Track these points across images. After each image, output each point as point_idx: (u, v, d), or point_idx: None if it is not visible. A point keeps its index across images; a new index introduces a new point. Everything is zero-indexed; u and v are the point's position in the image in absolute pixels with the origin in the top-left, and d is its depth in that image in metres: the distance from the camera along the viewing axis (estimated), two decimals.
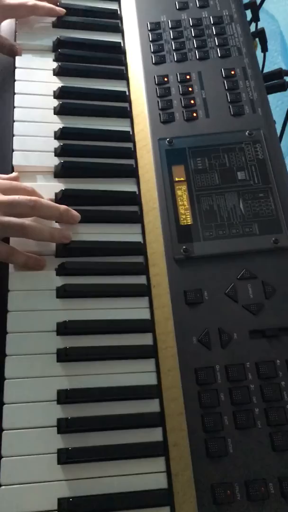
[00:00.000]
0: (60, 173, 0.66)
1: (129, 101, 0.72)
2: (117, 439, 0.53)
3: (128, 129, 0.71)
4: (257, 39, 0.81)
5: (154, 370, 0.56)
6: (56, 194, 0.64)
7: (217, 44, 0.73)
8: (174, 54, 0.73)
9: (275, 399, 0.53)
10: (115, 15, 0.80)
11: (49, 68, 0.74)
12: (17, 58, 0.73)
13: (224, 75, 0.71)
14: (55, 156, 0.67)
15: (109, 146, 0.69)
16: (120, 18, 0.80)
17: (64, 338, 0.56)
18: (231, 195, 0.63)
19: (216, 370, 0.54)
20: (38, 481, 0.50)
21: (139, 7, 0.77)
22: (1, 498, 0.49)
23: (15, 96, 0.70)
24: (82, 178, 0.66)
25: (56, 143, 0.68)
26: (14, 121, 0.68)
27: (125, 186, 0.67)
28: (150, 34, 0.74)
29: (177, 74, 0.71)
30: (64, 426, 0.52)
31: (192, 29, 0.75)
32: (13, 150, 0.66)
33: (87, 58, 0.75)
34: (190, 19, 0.75)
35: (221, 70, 0.71)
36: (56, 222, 0.62)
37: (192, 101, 0.69)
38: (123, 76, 0.75)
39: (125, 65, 0.76)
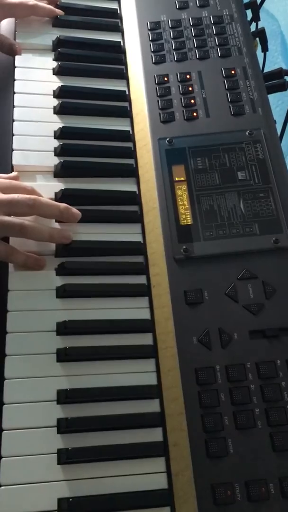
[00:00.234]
0: (60, 172, 0.66)
1: (129, 101, 0.72)
2: (117, 439, 0.53)
3: (128, 128, 0.71)
4: (257, 39, 0.81)
5: (154, 370, 0.56)
6: (56, 193, 0.64)
7: (217, 43, 0.73)
8: (174, 53, 0.73)
9: (276, 399, 0.53)
10: (115, 15, 0.80)
11: (49, 68, 0.73)
12: (16, 57, 0.73)
13: (224, 75, 0.71)
14: (55, 155, 0.67)
15: (109, 145, 0.69)
16: (120, 18, 0.80)
17: (64, 338, 0.56)
18: (231, 195, 0.63)
19: (216, 370, 0.54)
20: (38, 481, 0.50)
21: (139, 6, 0.77)
22: (1, 498, 0.49)
23: (15, 95, 0.70)
24: (82, 178, 0.66)
25: (56, 143, 0.68)
26: (13, 121, 0.68)
27: (125, 185, 0.67)
28: (150, 33, 0.74)
29: (177, 74, 0.71)
30: (64, 426, 0.52)
31: (192, 29, 0.74)
32: (12, 150, 0.66)
33: (87, 57, 0.75)
34: (190, 18, 0.75)
35: (221, 70, 0.71)
36: (56, 222, 0.62)
37: (192, 101, 0.69)
38: (123, 75, 0.75)
39: (125, 64, 0.76)
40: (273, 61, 1.26)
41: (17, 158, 0.65)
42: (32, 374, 0.54)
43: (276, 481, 0.50)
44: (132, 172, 0.67)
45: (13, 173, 0.64)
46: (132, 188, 0.67)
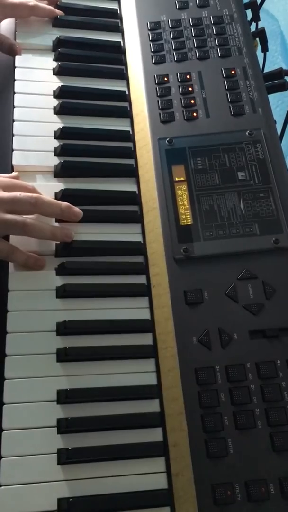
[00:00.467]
0: (60, 172, 0.66)
1: (129, 101, 0.72)
2: (117, 439, 0.53)
3: (128, 128, 0.71)
4: (257, 39, 0.81)
5: (154, 370, 0.56)
6: (56, 193, 0.64)
7: (217, 43, 0.73)
8: (174, 53, 0.73)
9: (276, 399, 0.53)
10: (115, 15, 0.80)
11: (49, 68, 0.73)
12: (17, 57, 0.73)
13: (224, 75, 0.71)
14: (55, 155, 0.67)
15: (109, 145, 0.69)
16: (120, 18, 0.80)
17: (64, 338, 0.56)
18: (231, 195, 0.63)
19: (216, 370, 0.54)
20: (38, 481, 0.50)
21: (139, 6, 0.77)
22: (1, 498, 0.49)
23: (15, 95, 0.70)
24: (82, 178, 0.66)
25: (56, 143, 0.68)
26: (14, 121, 0.68)
27: (125, 186, 0.67)
28: (150, 33, 0.74)
29: (177, 74, 0.71)
30: (64, 426, 0.52)
31: (192, 29, 0.74)
32: (13, 150, 0.66)
33: (87, 57, 0.75)
34: (190, 18, 0.75)
35: (221, 70, 0.71)
36: (56, 222, 0.62)
37: (192, 101, 0.69)
38: (123, 75, 0.75)
39: (125, 64, 0.76)
40: (273, 61, 1.26)
41: (17, 158, 0.65)
42: (32, 374, 0.54)
43: (276, 481, 0.50)
44: (132, 172, 0.67)
45: (13, 173, 0.64)
46: (132, 188, 0.67)
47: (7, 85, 0.71)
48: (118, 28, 0.79)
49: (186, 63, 0.72)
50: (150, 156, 0.65)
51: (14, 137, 0.67)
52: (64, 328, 0.56)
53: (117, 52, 0.77)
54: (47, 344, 0.56)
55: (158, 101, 0.69)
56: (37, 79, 0.72)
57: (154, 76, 0.71)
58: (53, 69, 0.73)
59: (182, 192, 0.63)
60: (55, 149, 0.67)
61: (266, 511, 0.50)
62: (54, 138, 0.68)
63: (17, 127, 0.67)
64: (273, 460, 0.51)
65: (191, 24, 0.75)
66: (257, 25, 0.84)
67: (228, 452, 0.51)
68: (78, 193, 0.64)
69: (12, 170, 0.65)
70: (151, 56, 0.73)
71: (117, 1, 0.82)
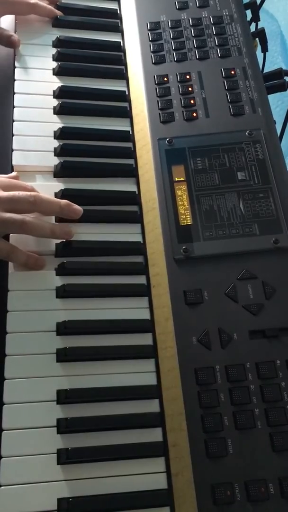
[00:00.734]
0: (59, 172, 0.66)
1: (129, 101, 0.72)
2: (116, 439, 0.53)
3: (128, 128, 0.71)
4: (257, 39, 0.81)
5: (154, 370, 0.56)
6: (55, 194, 0.64)
7: (217, 44, 0.73)
8: (174, 54, 0.73)
9: (275, 399, 0.53)
10: (115, 15, 0.80)
11: (49, 68, 0.73)
12: (16, 57, 0.73)
13: (224, 75, 0.71)
14: (54, 155, 0.67)
15: (109, 146, 0.69)
16: (120, 18, 0.80)
17: (64, 338, 0.56)
18: (231, 195, 0.63)
19: (216, 370, 0.54)
20: (38, 481, 0.50)
21: (138, 6, 0.77)
22: (1, 498, 0.49)
23: (15, 95, 0.70)
24: (82, 178, 0.66)
25: (55, 143, 0.68)
26: (13, 121, 0.68)
27: (124, 186, 0.67)
28: (149, 33, 0.74)
29: (177, 74, 0.71)
30: (63, 426, 0.52)
31: (192, 29, 0.74)
32: (12, 150, 0.66)
33: (87, 57, 0.75)
34: (190, 18, 0.75)
35: (221, 70, 0.71)
36: (56, 221, 0.62)
37: (192, 101, 0.69)
38: (122, 75, 0.75)
39: (125, 64, 0.76)
40: (273, 61, 1.26)
41: (17, 158, 0.65)
42: (32, 374, 0.54)
43: (276, 481, 0.50)
44: (132, 172, 0.67)
45: (13, 173, 0.64)
46: (132, 188, 0.67)
47: (7, 85, 0.71)
48: (118, 28, 0.79)
49: (186, 63, 0.72)
50: (150, 156, 0.65)
51: (14, 137, 0.67)
52: (64, 328, 0.56)
53: (117, 52, 0.77)
54: (47, 344, 0.56)
55: (158, 101, 0.69)
56: (37, 79, 0.72)
57: (154, 76, 0.71)
58: (53, 69, 0.73)
59: (182, 192, 0.63)
60: (55, 149, 0.67)
61: (266, 511, 0.50)
62: (54, 138, 0.68)
63: (17, 127, 0.67)
64: (273, 460, 0.51)
65: (191, 24, 0.75)
66: (257, 25, 0.84)
67: (228, 452, 0.51)
68: (78, 193, 0.64)
69: (12, 170, 0.65)
70: (151, 56, 0.73)
71: (117, 1, 0.82)
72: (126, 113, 0.72)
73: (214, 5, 0.77)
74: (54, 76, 0.73)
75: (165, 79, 0.71)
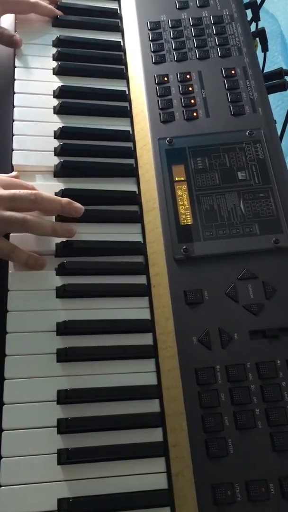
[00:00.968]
0: (60, 172, 0.66)
1: (129, 101, 0.72)
2: (117, 439, 0.53)
3: (128, 128, 0.71)
4: (257, 39, 0.81)
5: (154, 370, 0.56)
6: (55, 194, 0.64)
7: (217, 43, 0.73)
8: (174, 53, 0.73)
9: (276, 399, 0.53)
10: (115, 14, 0.80)
11: (49, 67, 0.73)
12: (16, 57, 0.73)
13: (224, 75, 0.71)
14: (54, 155, 0.67)
15: (109, 145, 0.69)
16: (120, 17, 0.80)
17: (64, 338, 0.56)
18: (232, 195, 0.63)
19: (216, 370, 0.54)
20: (38, 482, 0.50)
21: (139, 6, 0.77)
22: (1, 498, 0.49)
23: (15, 95, 0.70)
24: (82, 178, 0.66)
25: (55, 143, 0.67)
26: (13, 121, 0.68)
27: (125, 185, 0.67)
28: (150, 33, 0.74)
29: (177, 74, 0.71)
30: (64, 426, 0.52)
31: (192, 29, 0.74)
32: (12, 150, 0.66)
33: (87, 57, 0.75)
34: (190, 18, 0.75)
35: (221, 70, 0.71)
36: (57, 221, 0.62)
37: (192, 101, 0.69)
38: (123, 75, 0.75)
39: (125, 64, 0.76)
40: (273, 61, 1.26)
41: (17, 158, 0.65)
42: (32, 374, 0.54)
43: (276, 481, 0.50)
44: (132, 172, 0.67)
45: (13, 173, 0.64)
46: (132, 188, 0.67)
47: (7, 85, 0.71)
48: (118, 28, 0.79)
49: (186, 63, 0.72)
50: (150, 156, 0.65)
51: (14, 137, 0.66)
52: (64, 328, 0.56)
53: (117, 51, 0.77)
54: (47, 344, 0.56)
55: (158, 101, 0.69)
56: (37, 79, 0.72)
57: (154, 76, 0.71)
58: (53, 69, 0.73)
59: (182, 192, 0.63)
60: (55, 149, 0.67)
61: (266, 511, 0.49)
62: (54, 138, 0.68)
63: (17, 127, 0.67)
64: (273, 460, 0.51)
65: (191, 24, 0.75)
66: (257, 25, 0.83)
67: (228, 452, 0.51)
68: (78, 193, 0.64)
69: (12, 170, 0.65)
70: (151, 56, 0.73)
71: (117, 1, 0.82)
72: (126, 113, 0.72)
73: (215, 5, 0.77)
74: (54, 76, 0.73)
75: (166, 78, 0.71)
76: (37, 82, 0.72)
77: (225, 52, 0.73)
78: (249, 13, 0.80)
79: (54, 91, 0.71)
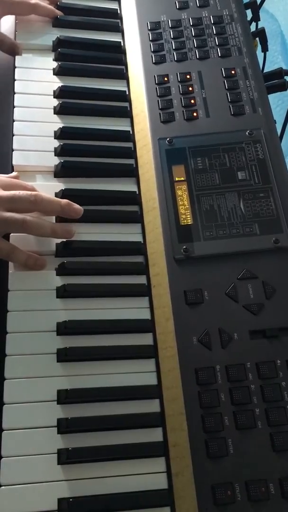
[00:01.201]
0: (60, 172, 0.66)
1: (129, 101, 0.72)
2: (117, 439, 0.53)
3: (128, 128, 0.71)
4: (257, 39, 0.81)
5: (154, 370, 0.56)
6: (56, 194, 0.64)
7: (217, 43, 0.73)
8: (174, 53, 0.73)
9: (276, 399, 0.53)
10: (115, 15, 0.80)
11: (49, 68, 0.73)
12: (17, 57, 0.73)
13: (224, 75, 0.71)
14: (55, 155, 0.67)
15: (109, 145, 0.69)
16: (120, 18, 0.80)
17: (64, 338, 0.56)
18: (232, 195, 0.63)
19: (216, 370, 0.54)
20: (38, 481, 0.50)
21: (139, 6, 0.77)
22: (1, 498, 0.49)
23: (15, 95, 0.70)
24: (82, 178, 0.66)
25: (56, 143, 0.68)
26: (14, 121, 0.68)
27: (125, 185, 0.67)
28: (150, 33, 0.74)
29: (177, 74, 0.71)
30: (64, 426, 0.52)
31: (192, 29, 0.74)
32: (12, 150, 0.66)
33: (87, 57, 0.75)
34: (190, 18, 0.75)
35: (221, 70, 0.71)
36: (57, 221, 0.62)
37: (192, 101, 0.69)
38: (123, 75, 0.75)
39: (125, 64, 0.76)
40: (273, 61, 1.26)
41: (17, 158, 0.65)
42: (32, 374, 0.54)
43: (276, 481, 0.50)
44: (132, 172, 0.67)
45: (13, 173, 0.64)
46: (132, 188, 0.67)
47: (7, 85, 0.71)
48: (118, 28, 0.79)
49: (186, 63, 0.72)
50: (150, 156, 0.65)
51: (14, 137, 0.67)
52: (64, 328, 0.56)
53: (117, 52, 0.77)
54: (47, 344, 0.56)
55: (158, 101, 0.69)
56: (37, 79, 0.72)
57: (154, 76, 0.71)
58: (53, 69, 0.73)
59: (182, 192, 0.63)
60: (55, 149, 0.67)
61: (266, 511, 0.49)
62: (54, 138, 0.68)
63: (17, 127, 0.67)
64: (273, 460, 0.51)
65: (191, 24, 0.75)
66: (257, 25, 0.83)
67: (228, 452, 0.51)
68: (78, 193, 0.64)
69: (12, 170, 0.65)
70: (151, 56, 0.73)
71: (117, 1, 0.82)
72: (126, 113, 0.72)
73: (215, 5, 0.77)
74: (55, 76, 0.73)
75: (166, 79, 0.71)
76: (37, 82, 0.72)
77: (225, 52, 0.73)
78: (249, 13, 0.80)
79: (54, 91, 0.71)
